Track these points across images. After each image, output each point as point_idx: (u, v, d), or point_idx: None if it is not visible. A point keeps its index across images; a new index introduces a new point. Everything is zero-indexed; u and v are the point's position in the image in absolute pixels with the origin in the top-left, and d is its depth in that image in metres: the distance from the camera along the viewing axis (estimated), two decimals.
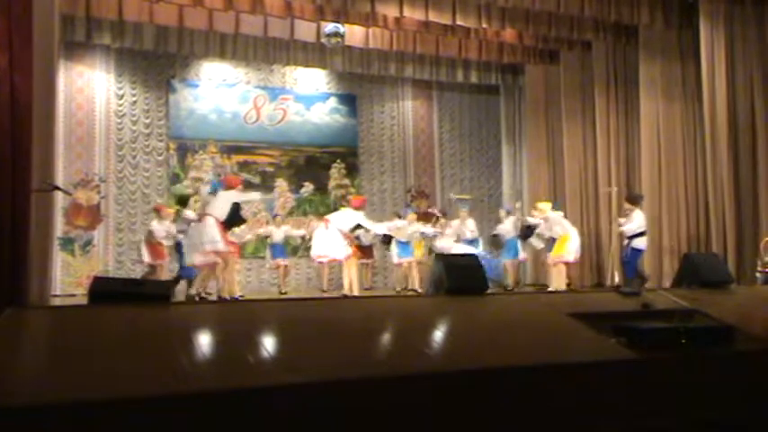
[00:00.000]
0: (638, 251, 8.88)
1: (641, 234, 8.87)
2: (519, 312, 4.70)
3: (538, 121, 12.56)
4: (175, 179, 11.56)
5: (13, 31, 4.61)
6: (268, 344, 3.51)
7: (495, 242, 10.84)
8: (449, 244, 10.31)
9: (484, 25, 10.21)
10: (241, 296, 8.45)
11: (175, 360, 3.03)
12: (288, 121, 12.39)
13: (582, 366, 3.57)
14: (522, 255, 11.04)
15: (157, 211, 9.76)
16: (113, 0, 9.44)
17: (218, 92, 11.99)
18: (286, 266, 10.83)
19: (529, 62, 12.40)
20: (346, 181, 12.71)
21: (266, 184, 12.11)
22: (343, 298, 7.90)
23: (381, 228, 10.07)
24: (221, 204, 7.81)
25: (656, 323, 4.27)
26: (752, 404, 3.67)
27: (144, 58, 11.45)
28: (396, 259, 10.80)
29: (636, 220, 8.84)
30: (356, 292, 8.82)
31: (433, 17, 9.90)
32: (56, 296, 9.00)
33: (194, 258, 7.89)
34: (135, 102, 11.49)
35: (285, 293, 10.42)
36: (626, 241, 8.99)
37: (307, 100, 12.57)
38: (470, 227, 10.55)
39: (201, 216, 7.82)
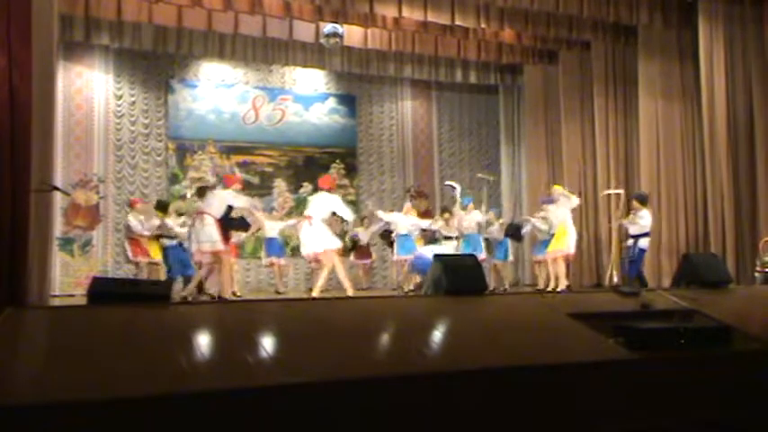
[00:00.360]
0: (643, 251, 8.85)
1: (647, 234, 8.85)
2: (518, 312, 4.70)
3: (537, 121, 12.56)
4: (174, 179, 11.56)
5: (11, 31, 4.61)
6: (267, 344, 3.51)
7: (513, 230, 10.50)
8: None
9: (483, 25, 10.22)
10: (238, 296, 8.40)
11: (174, 360, 3.03)
12: (287, 122, 12.39)
13: (581, 366, 3.57)
14: (510, 257, 10.94)
15: (132, 205, 9.74)
16: (112, 0, 9.44)
17: (217, 92, 11.99)
18: (281, 266, 10.54)
19: (528, 62, 12.41)
20: (345, 181, 12.71)
21: (265, 185, 12.13)
22: (346, 299, 7.81)
23: (377, 223, 9.89)
24: (217, 203, 7.66)
25: (655, 323, 4.28)
26: (751, 404, 3.67)
27: (143, 59, 11.45)
28: (395, 257, 10.69)
29: (644, 220, 8.83)
30: (348, 288, 8.21)
31: (432, 17, 9.90)
32: (55, 296, 8.98)
33: (195, 257, 7.84)
34: (134, 102, 11.48)
35: (282, 293, 10.24)
36: (631, 241, 8.95)
37: (305, 100, 12.57)
38: (476, 218, 10.06)
39: (199, 214, 7.64)
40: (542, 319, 4.47)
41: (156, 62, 11.58)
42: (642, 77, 10.39)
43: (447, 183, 10.96)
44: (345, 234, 11.28)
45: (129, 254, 9.51)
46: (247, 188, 11.89)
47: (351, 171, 12.79)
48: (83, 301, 5.14)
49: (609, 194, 10.15)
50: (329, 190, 8.57)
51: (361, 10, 9.68)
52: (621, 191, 9.73)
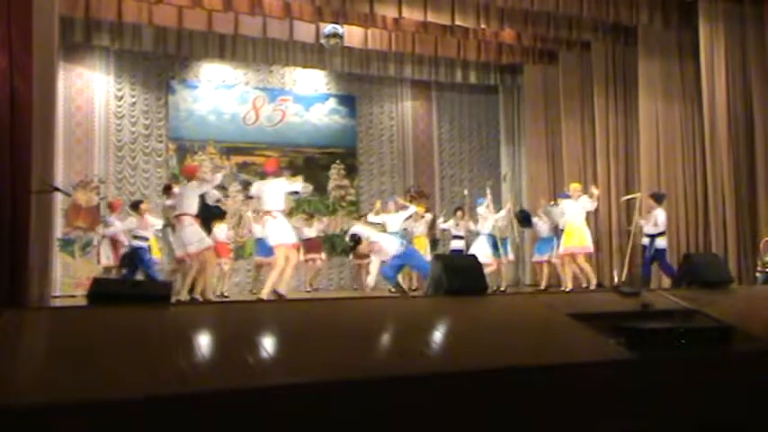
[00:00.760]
0: (663, 250, 8.83)
1: (663, 233, 8.86)
2: (519, 313, 4.70)
3: (537, 121, 12.57)
4: (175, 180, 11.55)
5: (12, 32, 4.61)
6: (268, 344, 3.51)
7: (523, 218, 10.48)
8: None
9: (483, 26, 10.23)
10: (226, 296, 8.15)
11: (175, 361, 3.03)
12: (287, 122, 12.40)
13: (582, 366, 3.57)
14: (511, 255, 10.92)
15: (111, 206, 9.61)
16: (113, 1, 9.46)
17: (218, 93, 12.00)
18: (269, 265, 10.56)
19: (528, 62, 12.42)
20: (345, 182, 12.72)
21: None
22: (346, 299, 7.73)
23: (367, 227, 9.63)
24: (188, 199, 7.35)
25: (655, 323, 4.27)
26: (752, 404, 3.67)
27: (143, 60, 11.47)
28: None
29: (659, 219, 8.83)
30: (283, 289, 7.45)
31: (432, 18, 9.92)
32: (56, 297, 8.99)
33: (183, 260, 7.60)
34: (134, 103, 11.50)
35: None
36: (647, 240, 8.94)
37: (306, 101, 12.58)
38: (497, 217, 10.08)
39: (176, 217, 7.34)
40: (543, 319, 4.47)
41: (157, 63, 11.59)
42: (642, 77, 10.40)
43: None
44: (344, 233, 11.31)
45: (110, 258, 9.30)
46: (247, 189, 11.93)
47: (351, 171, 12.80)
48: (83, 301, 5.15)
49: (627, 200, 10.12)
50: (274, 173, 8.10)
51: (362, 10, 9.70)
52: (639, 194, 9.69)
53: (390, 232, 9.87)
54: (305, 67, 12.06)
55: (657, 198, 9.11)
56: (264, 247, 10.28)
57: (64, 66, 10.51)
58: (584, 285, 9.13)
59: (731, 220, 9.25)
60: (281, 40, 11.08)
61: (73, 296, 9.83)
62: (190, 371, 2.98)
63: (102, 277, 8.94)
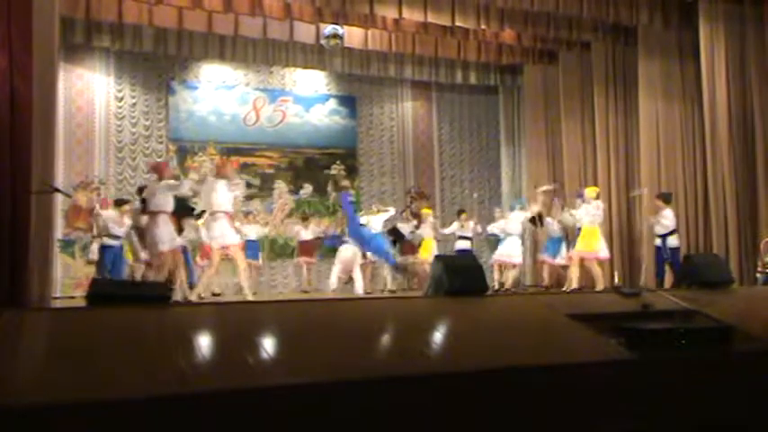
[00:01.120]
0: (675, 249, 8.81)
1: (673, 232, 8.85)
2: (519, 313, 4.70)
3: (537, 122, 12.57)
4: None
5: (13, 33, 4.62)
6: (267, 345, 3.51)
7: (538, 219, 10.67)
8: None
9: (483, 26, 10.23)
10: (202, 297, 8.08)
11: (174, 361, 3.03)
12: (287, 123, 12.40)
13: (582, 367, 3.57)
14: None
15: (101, 204, 9.46)
16: (113, 2, 9.46)
17: (218, 94, 12.00)
18: (257, 267, 10.61)
19: (528, 63, 12.42)
20: (346, 182, 12.71)
21: (266, 186, 12.14)
22: (347, 299, 7.75)
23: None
24: (163, 197, 7.15)
25: (655, 324, 4.27)
26: (752, 404, 3.67)
27: (143, 61, 11.47)
28: (400, 259, 10.95)
29: (667, 219, 8.83)
30: (188, 291, 7.40)
31: (432, 18, 9.91)
32: (56, 298, 8.99)
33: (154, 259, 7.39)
34: (134, 104, 11.50)
35: (245, 295, 10.37)
36: (659, 240, 8.95)
37: (306, 101, 12.58)
38: (520, 218, 10.35)
39: (152, 215, 7.15)
40: (543, 319, 4.47)
41: (157, 64, 11.59)
42: (642, 78, 10.39)
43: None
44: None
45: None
46: (248, 190, 11.97)
47: (351, 172, 12.79)
48: (84, 302, 5.14)
49: (634, 196, 10.16)
50: (224, 176, 7.66)
51: (362, 11, 9.69)
52: (645, 189, 9.70)
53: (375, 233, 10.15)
54: (305, 67, 12.06)
55: (665, 198, 9.09)
56: (254, 249, 10.51)
57: (64, 67, 10.51)
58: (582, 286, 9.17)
59: (732, 220, 9.24)
60: (282, 41, 11.08)
61: (73, 297, 9.83)
62: (189, 371, 2.98)
63: (102, 278, 8.90)
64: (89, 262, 9.16)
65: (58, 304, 7.97)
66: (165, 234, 7.12)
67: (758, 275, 8.61)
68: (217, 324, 3.86)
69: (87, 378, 2.76)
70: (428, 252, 10.35)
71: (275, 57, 11.54)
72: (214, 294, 9.53)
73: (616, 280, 9.38)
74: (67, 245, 10.74)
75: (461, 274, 4.99)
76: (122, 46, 10.61)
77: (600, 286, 8.99)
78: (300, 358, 3.24)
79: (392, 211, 10.45)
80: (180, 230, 7.75)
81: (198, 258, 9.75)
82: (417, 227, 11.26)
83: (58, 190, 5.67)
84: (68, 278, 10.59)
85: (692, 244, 10.00)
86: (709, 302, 4.91)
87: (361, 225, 9.27)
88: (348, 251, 9.25)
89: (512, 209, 10.55)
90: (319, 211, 12.15)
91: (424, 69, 12.46)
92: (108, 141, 11.24)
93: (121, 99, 11.40)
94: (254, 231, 10.64)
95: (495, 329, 4.23)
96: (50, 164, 5.55)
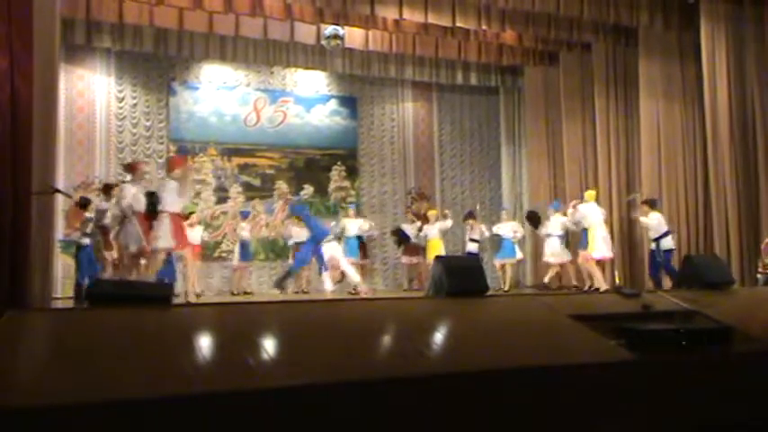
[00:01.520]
0: (668, 251, 8.88)
1: (666, 234, 8.90)
2: (519, 314, 4.69)
3: (538, 123, 12.57)
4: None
5: (13, 34, 4.63)
6: (268, 346, 3.51)
7: (534, 216, 11.01)
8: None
9: (483, 27, 10.23)
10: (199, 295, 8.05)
11: (175, 362, 3.03)
12: (288, 124, 12.40)
13: (582, 368, 3.57)
14: (519, 254, 11.17)
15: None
16: (113, 3, 9.47)
17: (219, 94, 12.01)
18: (242, 268, 10.84)
19: (528, 63, 12.42)
20: (346, 183, 12.73)
21: (266, 187, 12.14)
22: (347, 300, 7.78)
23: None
24: (138, 197, 7.17)
25: (656, 325, 4.27)
26: (752, 405, 3.67)
27: (144, 61, 11.48)
28: (405, 260, 11.49)
29: (655, 222, 8.91)
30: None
31: (433, 19, 9.92)
32: (57, 299, 8.99)
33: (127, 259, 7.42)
34: (135, 104, 11.50)
35: (236, 295, 10.61)
36: (653, 245, 8.98)
37: (307, 102, 12.58)
38: (561, 220, 10.54)
39: (134, 215, 7.16)
40: (543, 320, 4.47)
41: (158, 64, 11.60)
42: (643, 79, 10.40)
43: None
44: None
45: None
46: (249, 190, 11.98)
47: (352, 173, 12.80)
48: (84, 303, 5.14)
49: (633, 199, 10.26)
50: (175, 177, 7.68)
51: (362, 12, 9.70)
52: (638, 195, 9.84)
53: (347, 236, 10.48)
54: (306, 68, 12.06)
55: (650, 204, 9.18)
56: (248, 251, 10.59)
57: (65, 67, 10.51)
58: (588, 287, 9.25)
59: (733, 221, 9.24)
60: (282, 42, 11.09)
61: (73, 297, 9.83)
62: (190, 372, 2.98)
63: (102, 278, 8.87)
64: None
65: (58, 304, 7.98)
66: (135, 234, 7.14)
67: (759, 276, 8.62)
68: (217, 325, 3.86)
69: (88, 378, 2.76)
70: (436, 253, 10.40)
71: (276, 57, 11.55)
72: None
73: (617, 281, 9.39)
74: (68, 245, 10.70)
75: (461, 275, 4.99)
76: (123, 46, 10.62)
77: (601, 287, 9.06)
78: (301, 359, 3.24)
79: (367, 223, 11.12)
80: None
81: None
82: (421, 228, 11.32)
83: (58, 191, 5.69)
84: (69, 278, 10.55)
85: (692, 244, 10.01)
86: (710, 303, 4.90)
87: (322, 230, 9.22)
88: (328, 251, 9.16)
89: (556, 209, 10.66)
90: (320, 212, 12.13)
91: (425, 70, 12.47)
92: (109, 142, 11.24)
93: (122, 99, 11.41)
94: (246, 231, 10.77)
95: (496, 330, 4.22)
96: (51, 164, 5.56)
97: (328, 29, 10.51)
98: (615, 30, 10.75)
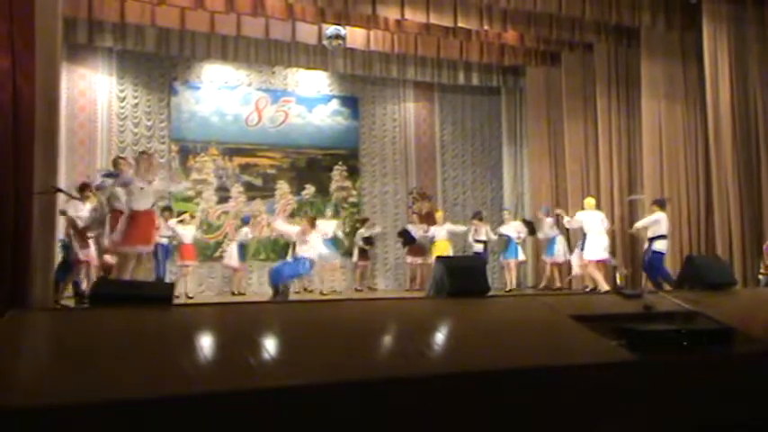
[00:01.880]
0: (659, 254, 8.78)
1: (661, 237, 8.82)
2: (520, 314, 4.69)
3: (539, 123, 12.57)
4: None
5: (15, 33, 4.62)
6: (269, 345, 3.51)
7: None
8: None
9: (485, 27, 10.23)
10: (190, 297, 8.01)
11: (177, 362, 3.04)
12: (289, 124, 12.40)
13: (583, 368, 3.57)
14: (521, 256, 11.25)
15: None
16: (115, 2, 9.47)
17: (220, 94, 12.01)
18: (236, 269, 10.86)
19: (530, 64, 12.42)
20: (348, 183, 12.72)
21: (267, 187, 12.15)
22: (348, 300, 7.81)
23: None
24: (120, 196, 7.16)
25: (657, 325, 4.27)
26: (752, 405, 3.66)
27: (146, 61, 11.48)
28: (409, 260, 11.62)
29: (656, 223, 8.84)
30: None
31: (434, 19, 9.91)
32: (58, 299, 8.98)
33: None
34: (137, 104, 11.51)
35: (235, 295, 10.67)
36: (646, 244, 8.95)
37: (308, 102, 12.58)
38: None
39: (114, 212, 7.18)
40: (544, 320, 4.47)
41: (159, 64, 11.61)
42: (645, 79, 10.38)
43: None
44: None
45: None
46: (250, 190, 11.99)
47: (353, 173, 12.80)
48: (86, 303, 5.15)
49: (632, 200, 10.25)
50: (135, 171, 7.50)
51: (364, 12, 9.69)
52: (643, 195, 9.80)
53: (324, 239, 10.13)
54: (307, 68, 12.06)
55: (658, 203, 9.10)
56: (242, 252, 10.72)
57: (67, 67, 10.51)
58: (592, 287, 9.31)
59: (735, 222, 9.23)
60: (284, 42, 11.09)
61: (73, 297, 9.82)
62: (191, 372, 2.98)
63: (104, 278, 8.84)
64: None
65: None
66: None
67: (760, 277, 8.61)
68: (218, 325, 3.86)
69: (89, 378, 2.76)
70: (442, 252, 10.46)
71: (277, 57, 11.55)
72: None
73: (618, 281, 9.38)
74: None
75: (462, 276, 4.99)
76: (125, 46, 10.62)
77: (603, 287, 9.07)
78: (301, 359, 3.24)
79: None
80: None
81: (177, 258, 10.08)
82: (427, 229, 11.35)
83: (60, 190, 5.68)
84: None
85: (694, 245, 10.00)
86: (711, 304, 4.90)
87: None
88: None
89: (545, 214, 11.02)
90: (321, 212, 12.13)
91: (427, 70, 12.47)
92: (110, 142, 11.24)
93: (124, 99, 11.41)
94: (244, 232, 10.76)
95: (497, 330, 4.22)
96: (53, 164, 5.55)
97: (330, 29, 10.51)
98: (617, 30, 10.74)
